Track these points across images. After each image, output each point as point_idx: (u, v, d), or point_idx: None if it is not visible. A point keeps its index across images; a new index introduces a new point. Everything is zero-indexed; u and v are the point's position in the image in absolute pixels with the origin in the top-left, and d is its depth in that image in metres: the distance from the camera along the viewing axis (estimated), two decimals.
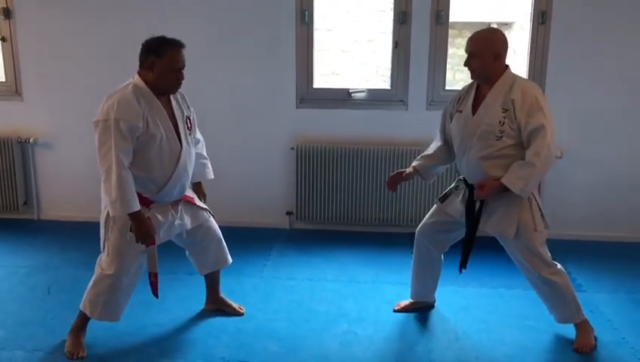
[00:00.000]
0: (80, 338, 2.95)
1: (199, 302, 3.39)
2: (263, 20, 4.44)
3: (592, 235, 4.50)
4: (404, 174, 3.18)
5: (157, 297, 2.91)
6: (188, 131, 2.92)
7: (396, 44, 4.43)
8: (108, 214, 2.79)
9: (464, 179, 3.03)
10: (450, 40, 4.46)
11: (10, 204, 4.79)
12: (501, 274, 3.80)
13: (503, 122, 2.76)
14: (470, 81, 2.98)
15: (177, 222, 2.96)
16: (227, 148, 4.59)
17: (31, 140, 4.75)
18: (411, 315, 3.35)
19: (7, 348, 2.96)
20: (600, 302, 3.49)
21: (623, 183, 4.44)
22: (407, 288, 3.40)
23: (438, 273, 3.28)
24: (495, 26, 6.95)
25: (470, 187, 2.94)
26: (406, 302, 3.42)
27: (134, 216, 2.69)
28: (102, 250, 2.88)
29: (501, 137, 2.77)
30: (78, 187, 4.76)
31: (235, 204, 4.66)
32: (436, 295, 3.40)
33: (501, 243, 2.98)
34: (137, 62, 2.79)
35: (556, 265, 2.94)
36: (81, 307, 2.93)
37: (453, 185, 3.13)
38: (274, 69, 4.52)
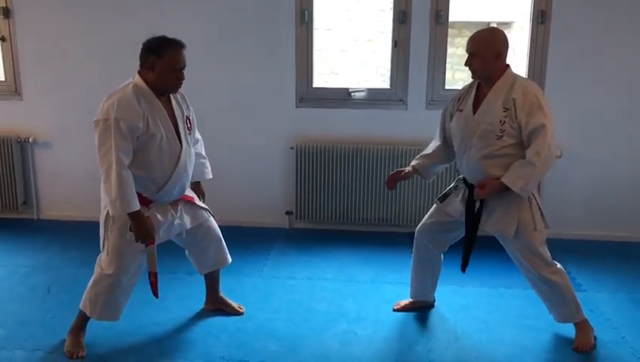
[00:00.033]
0: (80, 338, 2.95)
1: (199, 302, 3.39)
2: (263, 20, 4.44)
3: (592, 235, 4.50)
4: (403, 173, 3.18)
5: (157, 297, 2.91)
6: (188, 131, 2.92)
7: (396, 44, 4.43)
8: (108, 214, 2.79)
9: (464, 178, 3.03)
10: (449, 39, 4.46)
11: (9, 203, 4.79)
12: (501, 274, 3.80)
13: (504, 121, 2.76)
14: (470, 80, 2.98)
15: (177, 221, 2.96)
16: (227, 148, 4.59)
17: (30, 140, 4.75)
18: (411, 315, 3.35)
19: (7, 348, 2.96)
20: (600, 302, 3.49)
21: (622, 183, 4.45)
22: (406, 287, 3.41)
23: (437, 272, 3.28)
24: (494, 25, 6.96)
25: (470, 186, 2.94)
26: (406, 301, 3.42)
27: (134, 216, 2.69)
28: (101, 249, 2.88)
29: (502, 136, 2.77)
30: (77, 186, 4.76)
31: (235, 203, 4.66)
32: (436, 294, 3.40)
33: (501, 242, 2.99)
34: (137, 62, 2.79)
35: (556, 264, 2.94)
36: (80, 306, 2.93)
37: (452, 184, 3.13)
38: (273, 68, 4.52)
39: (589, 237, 4.49)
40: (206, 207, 3.15)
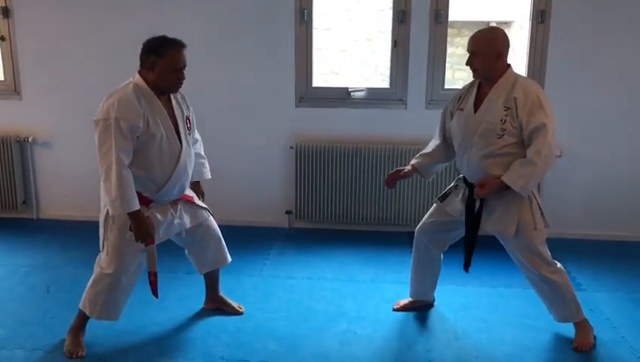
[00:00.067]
0: (79, 338, 2.95)
1: (198, 301, 3.39)
2: (262, 19, 4.44)
3: (592, 234, 4.50)
4: (402, 172, 3.18)
5: (157, 297, 2.91)
6: (187, 131, 2.92)
7: (395, 43, 4.43)
8: (107, 213, 2.79)
9: (464, 177, 3.03)
10: (449, 39, 4.46)
11: (9, 203, 4.79)
12: (500, 273, 3.80)
13: (505, 120, 2.76)
14: (470, 80, 2.98)
15: (177, 221, 2.96)
16: (226, 148, 4.59)
17: (30, 139, 4.75)
18: (410, 314, 3.35)
19: (7, 347, 2.96)
20: (599, 301, 3.49)
21: (622, 182, 4.45)
22: (406, 287, 3.41)
23: (437, 272, 3.28)
24: (494, 24, 6.96)
25: (470, 186, 2.93)
26: (405, 300, 3.42)
27: (134, 216, 2.69)
28: (101, 249, 2.88)
29: (502, 135, 2.77)
30: (77, 186, 4.76)
31: (235, 202, 4.65)
32: (435, 294, 3.40)
33: (501, 241, 2.99)
34: (137, 62, 2.79)
35: (556, 263, 2.94)
36: (80, 306, 2.93)
37: (452, 184, 3.13)
38: (273, 68, 4.51)
39: (589, 236, 4.49)
40: (205, 206, 3.15)
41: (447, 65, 4.47)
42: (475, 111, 2.86)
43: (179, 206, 2.98)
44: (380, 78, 7.23)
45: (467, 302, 3.50)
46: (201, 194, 3.21)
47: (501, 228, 2.88)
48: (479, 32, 2.88)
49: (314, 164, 4.52)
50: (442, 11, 4.31)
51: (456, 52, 6.88)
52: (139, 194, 2.72)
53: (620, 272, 3.93)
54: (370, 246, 4.37)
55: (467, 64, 2.84)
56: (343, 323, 3.24)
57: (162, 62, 2.71)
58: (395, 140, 4.48)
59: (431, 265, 3.25)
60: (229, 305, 3.35)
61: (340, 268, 3.98)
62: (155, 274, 2.88)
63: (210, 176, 3.25)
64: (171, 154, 2.82)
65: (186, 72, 2.80)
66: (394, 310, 3.39)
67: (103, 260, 2.86)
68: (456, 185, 3.08)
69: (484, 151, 2.82)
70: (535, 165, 2.70)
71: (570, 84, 4.31)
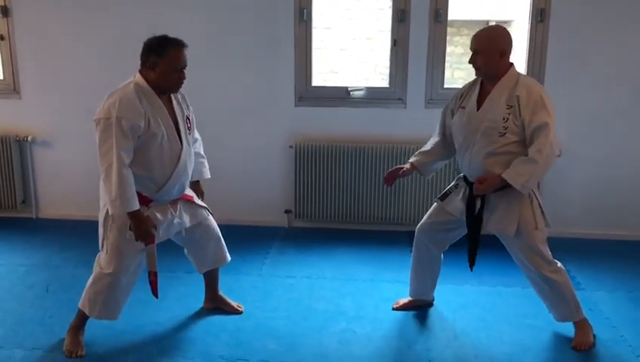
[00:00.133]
0: (79, 337, 2.95)
1: (198, 301, 3.39)
2: (262, 19, 4.44)
3: (591, 234, 4.51)
4: (401, 170, 3.17)
5: (157, 297, 2.91)
6: (188, 131, 2.92)
7: (395, 43, 4.43)
8: (107, 213, 2.78)
9: (464, 176, 3.02)
10: (448, 38, 4.47)
11: (8, 202, 4.79)
12: (500, 273, 3.80)
13: (507, 118, 2.76)
14: (470, 79, 2.98)
15: (176, 220, 2.95)
16: (226, 147, 4.59)
17: (29, 139, 4.75)
18: (410, 313, 3.35)
19: (6, 347, 2.96)
20: (599, 301, 3.49)
21: (622, 182, 4.45)
22: (405, 286, 3.41)
23: (437, 271, 3.28)
24: (494, 23, 6.95)
25: (471, 185, 2.93)
26: (405, 300, 3.42)
27: (134, 215, 2.69)
28: (100, 248, 2.88)
29: (504, 133, 2.77)
30: (76, 185, 4.75)
31: (234, 202, 4.65)
32: (435, 293, 3.40)
33: (501, 240, 2.99)
34: (137, 61, 2.78)
35: (556, 263, 2.94)
36: (79, 305, 2.93)
37: (453, 183, 3.13)
38: (273, 67, 4.51)
39: (589, 236, 4.50)
40: (205, 205, 3.15)
41: (446, 64, 4.47)
42: (478, 110, 2.86)
43: (178, 205, 2.98)
44: (379, 77, 7.23)
45: (466, 301, 3.50)
46: (200, 193, 3.21)
47: (502, 227, 2.88)
48: (482, 30, 2.88)
49: (313, 163, 4.52)
50: (442, 10, 4.31)
51: (456, 51, 6.87)
52: (139, 194, 2.72)
53: (620, 271, 3.93)
54: (369, 245, 4.37)
55: (470, 62, 2.84)
56: (342, 322, 3.25)
57: (163, 62, 2.71)
58: (394, 139, 4.48)
59: (431, 265, 3.24)
60: (228, 304, 3.35)
61: (340, 267, 3.98)
62: (155, 274, 2.88)
63: (209, 176, 3.25)
64: (172, 154, 2.82)
65: (185, 71, 2.80)
66: (393, 309, 3.39)
67: (102, 259, 2.86)
68: (457, 185, 3.08)
69: (486, 149, 2.82)
70: (536, 163, 2.70)
71: (570, 83, 4.31)
